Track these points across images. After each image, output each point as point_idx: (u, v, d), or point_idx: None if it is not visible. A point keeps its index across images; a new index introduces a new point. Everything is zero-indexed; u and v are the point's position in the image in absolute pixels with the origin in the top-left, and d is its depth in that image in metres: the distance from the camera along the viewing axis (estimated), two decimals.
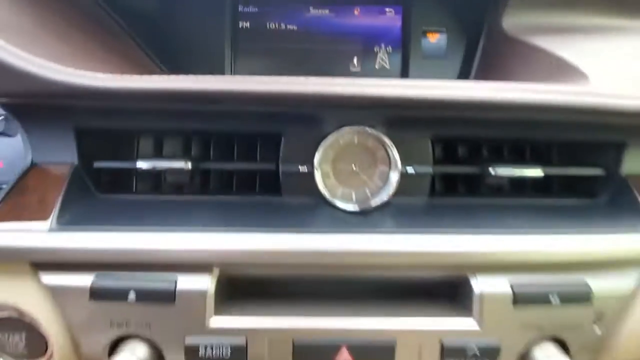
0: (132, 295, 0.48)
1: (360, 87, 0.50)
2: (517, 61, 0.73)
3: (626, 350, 0.55)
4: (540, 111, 0.50)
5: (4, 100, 0.53)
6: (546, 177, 0.63)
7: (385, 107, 0.52)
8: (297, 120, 0.55)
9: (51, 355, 0.53)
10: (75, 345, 0.51)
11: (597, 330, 0.50)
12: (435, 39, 0.94)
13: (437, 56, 0.93)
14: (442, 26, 0.92)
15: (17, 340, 0.53)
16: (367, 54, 0.94)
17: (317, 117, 0.55)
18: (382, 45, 0.95)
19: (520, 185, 0.65)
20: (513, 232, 0.50)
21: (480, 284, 0.50)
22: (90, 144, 0.58)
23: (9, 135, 0.69)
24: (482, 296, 0.49)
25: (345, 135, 0.56)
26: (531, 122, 0.55)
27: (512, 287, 0.49)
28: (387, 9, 0.94)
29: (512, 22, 0.81)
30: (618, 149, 0.58)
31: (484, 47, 0.87)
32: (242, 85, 0.49)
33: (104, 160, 0.59)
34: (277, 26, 0.94)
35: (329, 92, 0.49)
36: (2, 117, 0.69)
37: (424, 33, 0.93)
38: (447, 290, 0.54)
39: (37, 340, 0.53)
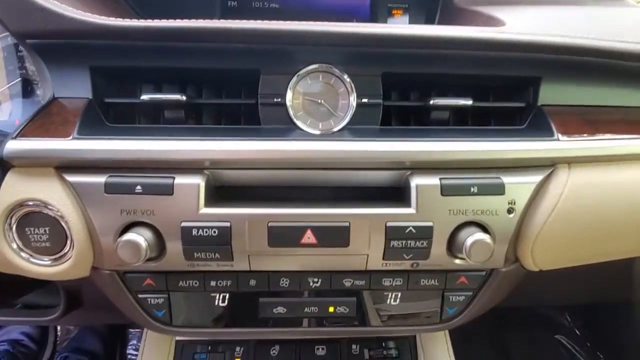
0: (138, 188, 0.60)
1: (321, 26, 0.63)
2: (460, 23, 0.87)
3: (541, 242, 0.67)
4: (460, 46, 0.64)
5: (33, 41, 0.66)
6: (483, 113, 0.76)
7: (342, 44, 0.65)
8: (273, 57, 0.68)
9: (71, 247, 0.65)
10: (90, 234, 0.63)
11: (510, 215, 0.63)
12: (399, 15, 1.08)
13: None
14: (404, 3, 1.06)
15: (41, 234, 0.64)
16: None
17: (288, 54, 0.67)
18: (354, 21, 1.09)
19: (462, 121, 0.77)
20: (444, 140, 0.63)
21: (416, 180, 0.62)
22: (103, 83, 0.70)
23: (24, 97, 0.81)
24: (417, 187, 0.62)
25: (312, 73, 0.69)
26: (460, 58, 0.67)
27: (440, 180, 0.62)
28: None
29: None
30: (535, 84, 0.71)
31: (439, 20, 1.01)
32: (229, 24, 0.63)
33: (113, 97, 0.71)
34: (261, 4, 1.08)
35: (297, 29, 0.62)
36: (19, 80, 0.81)
37: (390, 10, 1.07)
38: (394, 193, 0.66)
39: (58, 235, 0.64)
